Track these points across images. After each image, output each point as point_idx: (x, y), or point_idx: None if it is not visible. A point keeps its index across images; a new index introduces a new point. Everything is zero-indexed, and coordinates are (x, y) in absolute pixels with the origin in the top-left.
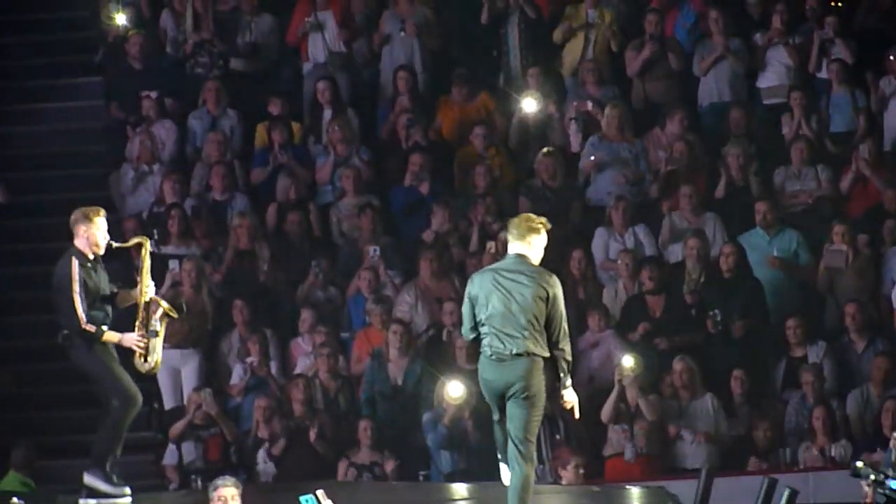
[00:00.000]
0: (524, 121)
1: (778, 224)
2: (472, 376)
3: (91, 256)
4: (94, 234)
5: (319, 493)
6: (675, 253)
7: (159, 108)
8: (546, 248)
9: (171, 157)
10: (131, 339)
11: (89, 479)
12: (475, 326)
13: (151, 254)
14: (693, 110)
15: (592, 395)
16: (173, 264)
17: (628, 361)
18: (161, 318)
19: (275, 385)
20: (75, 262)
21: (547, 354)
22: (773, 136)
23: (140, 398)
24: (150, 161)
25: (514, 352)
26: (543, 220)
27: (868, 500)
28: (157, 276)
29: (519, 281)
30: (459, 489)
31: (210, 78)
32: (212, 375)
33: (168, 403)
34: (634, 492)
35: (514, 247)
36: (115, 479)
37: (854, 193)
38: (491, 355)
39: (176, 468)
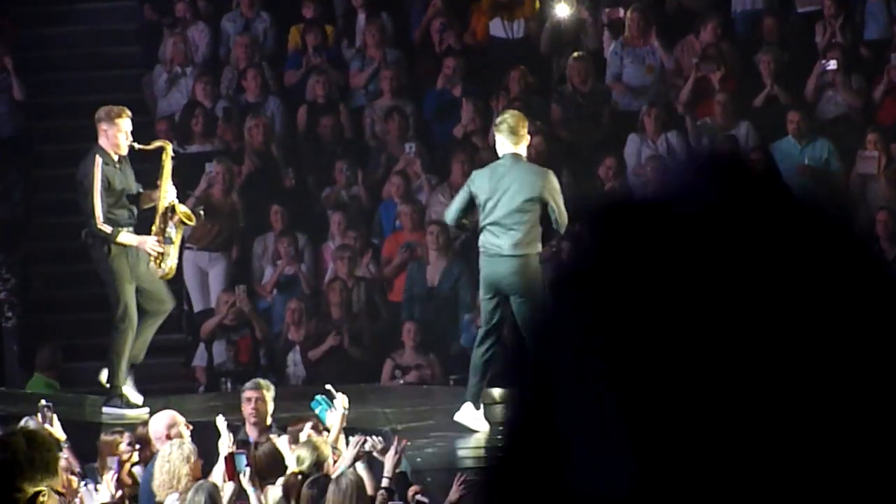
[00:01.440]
0: (556, 25)
1: (810, 133)
2: None
3: (115, 156)
4: (115, 134)
5: (328, 387)
6: None
7: (193, 9)
8: (577, 154)
9: (203, 60)
10: (146, 242)
11: (108, 411)
12: (458, 216)
13: (177, 154)
14: (727, 17)
15: None
16: (209, 167)
17: None
18: (178, 225)
19: (306, 286)
20: (98, 161)
21: (539, 250)
22: (806, 44)
23: (135, 322)
24: (184, 63)
25: (510, 250)
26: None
27: None
28: (192, 177)
29: (515, 181)
30: (492, 393)
31: None
32: (241, 278)
33: (197, 306)
34: None
35: (506, 147)
36: (129, 398)
37: (886, 102)
38: (488, 252)
39: (205, 370)
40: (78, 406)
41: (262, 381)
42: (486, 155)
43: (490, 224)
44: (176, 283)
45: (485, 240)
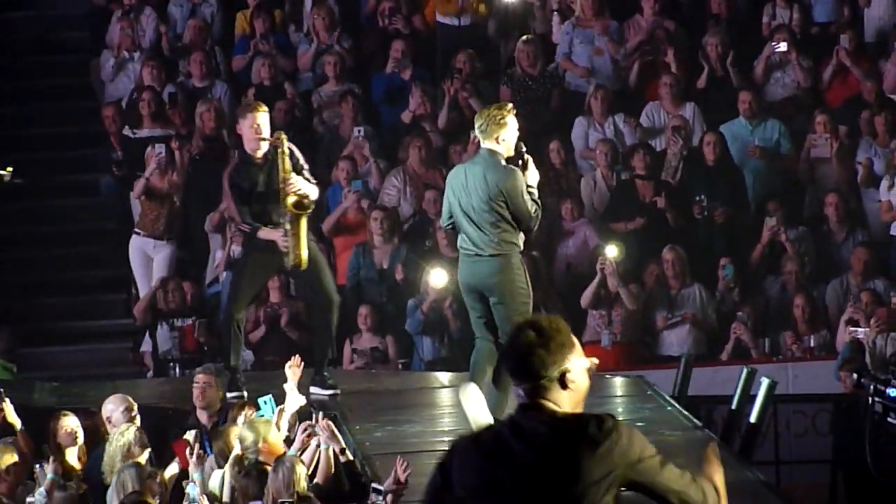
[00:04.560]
0: (505, 8)
1: (760, 114)
2: (453, 264)
3: (249, 153)
4: (245, 131)
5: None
6: (654, 142)
7: None
8: (525, 137)
9: (151, 45)
10: (276, 236)
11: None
12: (449, 218)
13: (126, 139)
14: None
15: (571, 283)
16: (159, 148)
17: (612, 251)
18: (291, 215)
19: None
20: (231, 164)
21: (517, 248)
22: (753, 25)
23: (234, 318)
24: (131, 48)
25: (480, 251)
26: (508, 107)
27: (848, 391)
28: (142, 161)
29: (479, 179)
30: (440, 377)
31: None
32: (187, 263)
33: (143, 291)
34: (613, 381)
35: (484, 143)
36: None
37: (835, 84)
38: (462, 253)
39: (152, 356)
40: (33, 391)
41: (212, 367)
42: (435, 139)
43: (463, 224)
44: (124, 267)
45: (461, 241)
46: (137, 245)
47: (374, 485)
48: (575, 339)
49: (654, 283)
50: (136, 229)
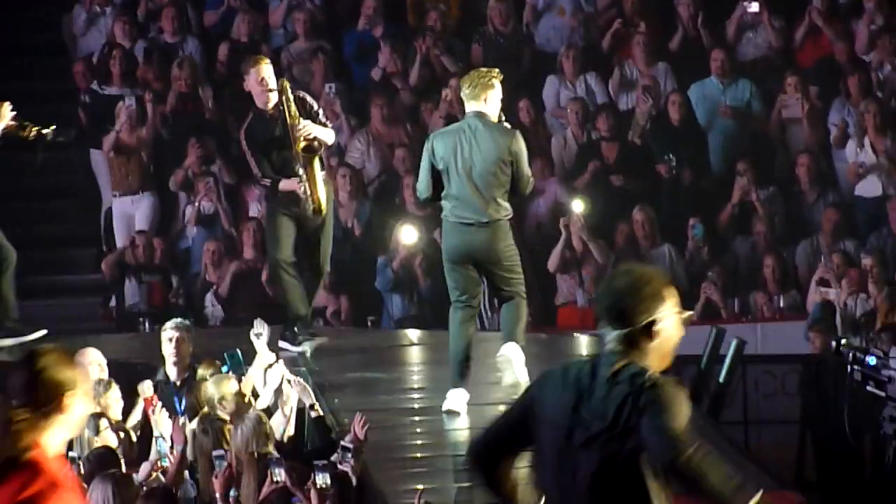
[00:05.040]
0: None
1: (732, 73)
2: (421, 222)
3: (261, 105)
4: (252, 85)
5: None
6: (625, 101)
7: None
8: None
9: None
10: (294, 186)
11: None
12: (432, 188)
13: (96, 94)
14: None
15: (542, 242)
16: (129, 102)
17: (578, 206)
18: (301, 159)
19: (226, 222)
20: (248, 118)
21: (508, 215)
22: None
23: (280, 263)
24: (102, 3)
25: (478, 219)
26: (495, 72)
27: (817, 351)
28: (108, 115)
29: (479, 143)
30: (409, 335)
31: None
32: (164, 217)
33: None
34: (583, 339)
35: (471, 105)
36: None
37: (807, 44)
38: (455, 220)
39: (117, 310)
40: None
41: (183, 322)
42: (405, 96)
43: (456, 190)
44: (92, 222)
45: (451, 208)
46: (118, 208)
47: (343, 442)
48: (672, 292)
49: (625, 242)
50: (114, 192)
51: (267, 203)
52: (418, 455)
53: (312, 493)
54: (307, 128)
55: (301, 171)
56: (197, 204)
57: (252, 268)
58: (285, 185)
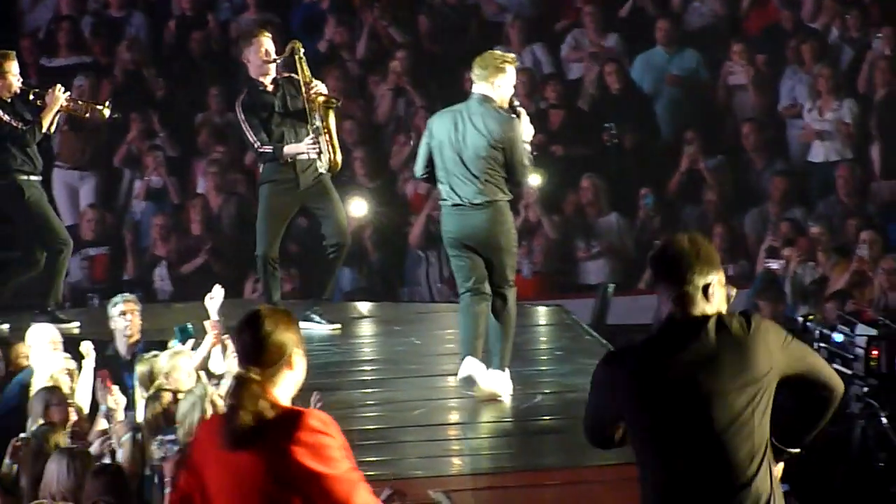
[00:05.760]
0: None
1: (678, 42)
2: (371, 194)
3: (258, 77)
4: (252, 57)
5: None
6: (573, 71)
7: None
8: (444, 66)
9: None
10: (301, 147)
11: None
12: (426, 167)
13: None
14: None
15: None
16: (80, 80)
17: (535, 180)
18: (321, 112)
19: (174, 196)
20: (243, 93)
21: (507, 197)
22: None
23: (268, 258)
24: None
25: (471, 201)
26: (510, 56)
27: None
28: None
29: (475, 126)
30: (360, 307)
31: None
32: (110, 193)
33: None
34: (533, 310)
35: (478, 87)
36: None
37: (753, 13)
38: (449, 204)
39: (71, 286)
40: None
41: (132, 296)
42: (352, 68)
43: (449, 170)
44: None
45: (445, 192)
46: (60, 178)
47: None
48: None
49: (573, 211)
50: (57, 162)
51: (260, 188)
52: (371, 427)
53: None
54: (320, 85)
55: (318, 123)
56: (147, 178)
57: (202, 244)
58: (290, 149)
